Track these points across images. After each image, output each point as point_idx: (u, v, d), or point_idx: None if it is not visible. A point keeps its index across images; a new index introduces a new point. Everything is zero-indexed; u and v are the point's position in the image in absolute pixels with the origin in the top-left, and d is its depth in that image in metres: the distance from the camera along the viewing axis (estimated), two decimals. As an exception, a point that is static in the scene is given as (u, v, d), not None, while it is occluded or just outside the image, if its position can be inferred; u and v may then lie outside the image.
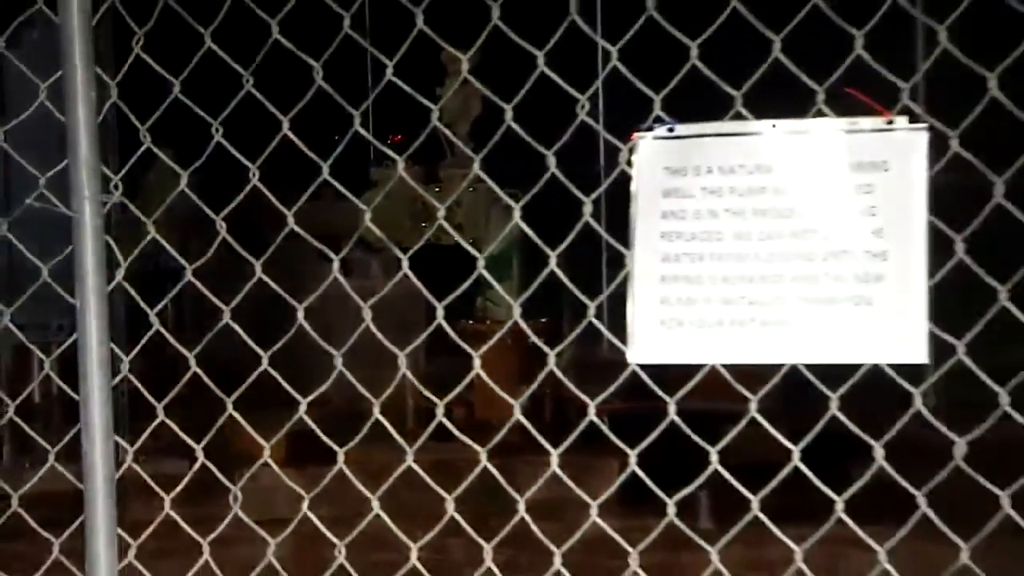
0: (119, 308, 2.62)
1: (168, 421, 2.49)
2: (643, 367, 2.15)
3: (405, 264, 2.35)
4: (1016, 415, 2.05)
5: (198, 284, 2.50)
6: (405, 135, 2.35)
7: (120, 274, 2.47)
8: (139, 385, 2.51)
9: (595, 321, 2.25)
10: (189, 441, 2.45)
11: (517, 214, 2.33)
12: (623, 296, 2.19)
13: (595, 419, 2.24)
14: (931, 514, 2.10)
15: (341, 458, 2.38)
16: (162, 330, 2.50)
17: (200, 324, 2.53)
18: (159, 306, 2.54)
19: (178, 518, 2.50)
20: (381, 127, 2.45)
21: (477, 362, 2.31)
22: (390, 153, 2.41)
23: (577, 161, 2.32)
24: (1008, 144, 2.13)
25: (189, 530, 2.51)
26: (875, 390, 2.15)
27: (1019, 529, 1.97)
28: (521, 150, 2.33)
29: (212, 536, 2.48)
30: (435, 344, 2.60)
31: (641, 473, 2.23)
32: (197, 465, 2.46)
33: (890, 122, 2.04)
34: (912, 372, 2.10)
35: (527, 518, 2.35)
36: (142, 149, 2.49)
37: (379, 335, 2.31)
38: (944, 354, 2.13)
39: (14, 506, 2.54)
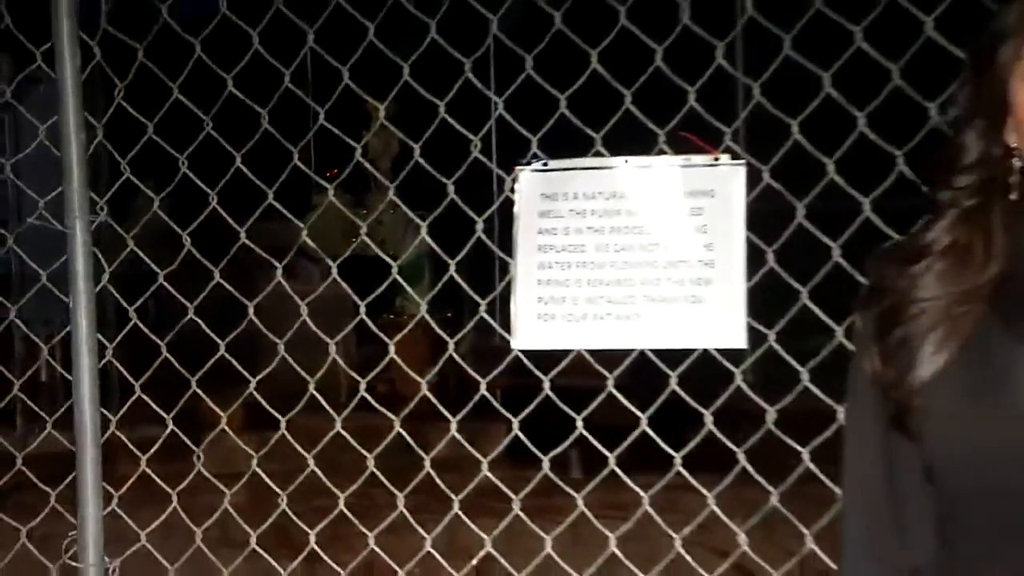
0: (109, 305, 2.66)
1: (144, 396, 2.48)
2: (524, 352, 2.20)
3: (335, 271, 2.41)
4: (815, 389, 2.08)
5: (168, 287, 2.49)
6: (340, 168, 2.40)
7: (105, 278, 2.48)
8: (120, 367, 2.50)
9: (486, 316, 2.30)
10: (160, 412, 2.45)
11: (424, 231, 2.41)
12: (509, 296, 2.23)
13: (486, 393, 2.29)
14: (748, 467, 2.15)
15: (283, 425, 2.42)
16: (139, 324, 2.49)
17: (175, 319, 2.56)
18: (137, 303, 2.53)
19: (152, 473, 2.52)
20: (322, 162, 2.48)
21: (392, 348, 2.35)
22: (323, 183, 2.44)
23: (473, 189, 2.35)
24: (808, 175, 2.16)
25: (161, 483, 2.53)
26: (705, 369, 2.20)
27: (817, 478, 2.04)
28: (429, 180, 2.34)
29: (180, 487, 2.52)
30: (365, 334, 2.60)
31: (523, 436, 2.28)
32: (167, 431, 2.48)
33: (716, 159, 2.12)
34: (735, 355, 2.17)
35: (432, 472, 2.40)
36: (122, 179, 2.49)
37: (313, 327, 2.34)
38: (759, 341, 2.18)
39: (18, 464, 2.56)
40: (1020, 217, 1.53)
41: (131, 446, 2.45)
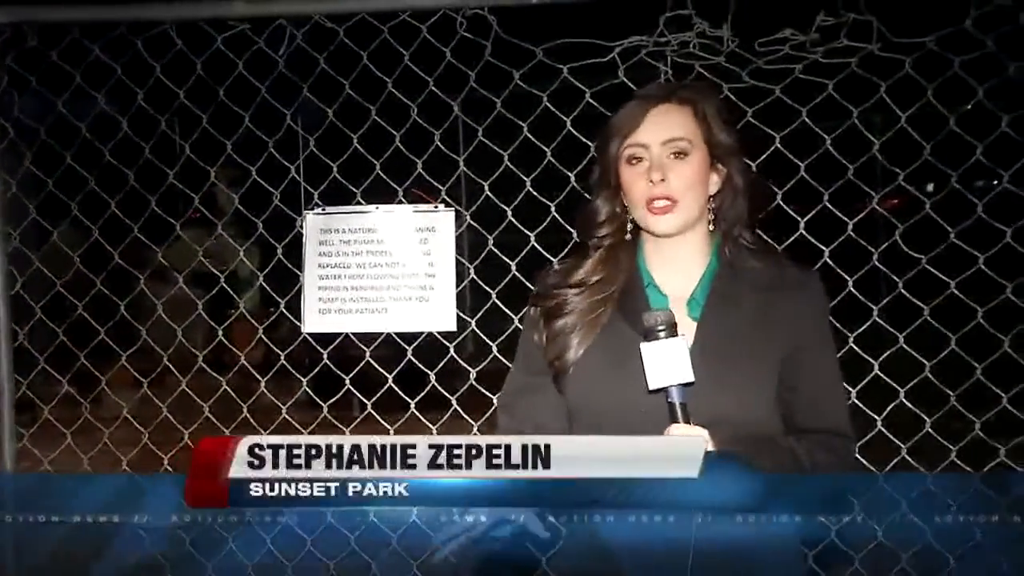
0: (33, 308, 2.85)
1: (47, 367, 2.78)
2: (311, 334, 2.58)
3: (181, 282, 2.83)
4: (502, 358, 2.38)
5: (65, 292, 2.82)
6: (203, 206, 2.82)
7: (18, 286, 2.71)
8: (30, 348, 2.75)
9: (285, 312, 2.70)
10: (55, 374, 2.78)
11: (241, 252, 2.89)
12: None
13: (285, 363, 2.72)
14: (459, 408, 2.62)
15: (145, 384, 2.84)
16: (44, 318, 2.80)
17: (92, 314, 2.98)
18: (42, 302, 2.82)
19: (52, 419, 2.80)
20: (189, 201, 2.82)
21: (219, 333, 2.81)
22: (173, 222, 2.80)
23: (282, 226, 2.70)
24: (502, 216, 2.61)
25: (58, 425, 2.80)
26: (433, 344, 2.64)
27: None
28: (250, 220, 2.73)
29: (72, 428, 2.78)
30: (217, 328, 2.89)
31: (309, 391, 2.71)
32: (63, 390, 2.80)
33: (436, 207, 2.54)
34: (457, 335, 2.57)
35: (248, 415, 2.72)
36: (29, 218, 2.77)
37: (169, 322, 2.76)
38: (469, 325, 2.59)
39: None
40: (633, 249, 2.00)
41: (35, 399, 2.79)
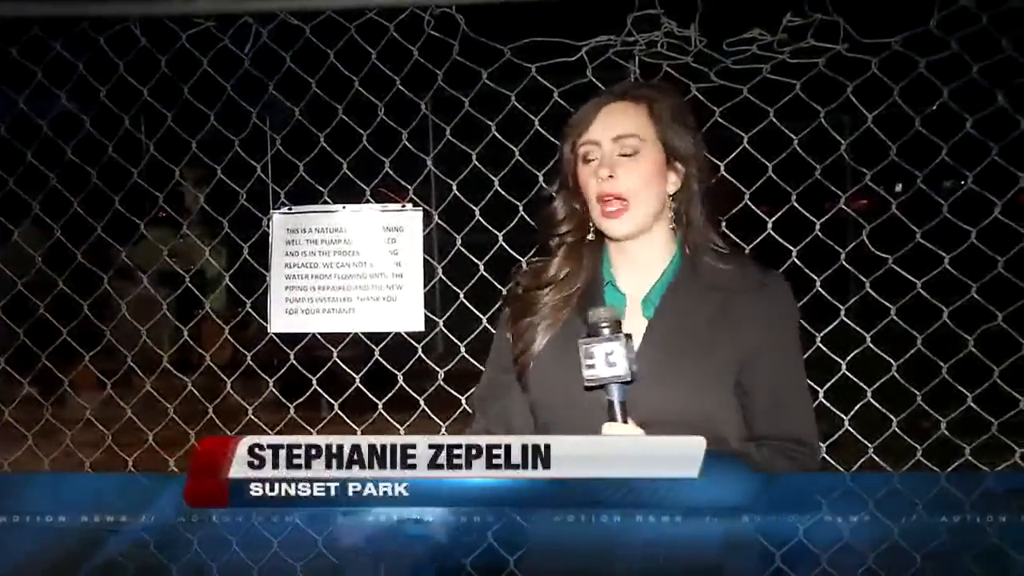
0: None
1: (8, 368, 2.73)
2: (277, 334, 2.57)
3: (146, 281, 2.81)
4: (471, 359, 2.42)
5: (26, 292, 2.80)
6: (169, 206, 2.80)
7: None
8: None
9: (251, 312, 2.70)
10: (18, 377, 2.78)
11: (207, 252, 2.86)
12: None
13: (252, 363, 2.71)
14: (425, 407, 2.62)
15: (109, 385, 2.77)
16: (5, 318, 2.81)
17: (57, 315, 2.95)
18: (3, 302, 2.80)
19: (12, 420, 2.77)
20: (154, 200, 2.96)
21: (186, 332, 2.78)
22: (139, 222, 2.76)
23: (249, 226, 2.69)
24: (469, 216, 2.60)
25: (17, 425, 2.78)
26: (402, 344, 2.63)
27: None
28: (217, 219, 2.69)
29: (34, 430, 2.79)
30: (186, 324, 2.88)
31: (275, 392, 2.71)
32: (24, 391, 2.81)
33: (403, 207, 2.52)
34: (426, 335, 2.56)
35: (214, 417, 2.73)
36: None
37: (134, 322, 2.73)
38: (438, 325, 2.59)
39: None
40: (598, 247, 2.00)
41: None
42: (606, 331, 1.73)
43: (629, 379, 1.72)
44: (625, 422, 1.71)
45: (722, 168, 2.30)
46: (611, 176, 1.86)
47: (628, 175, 1.86)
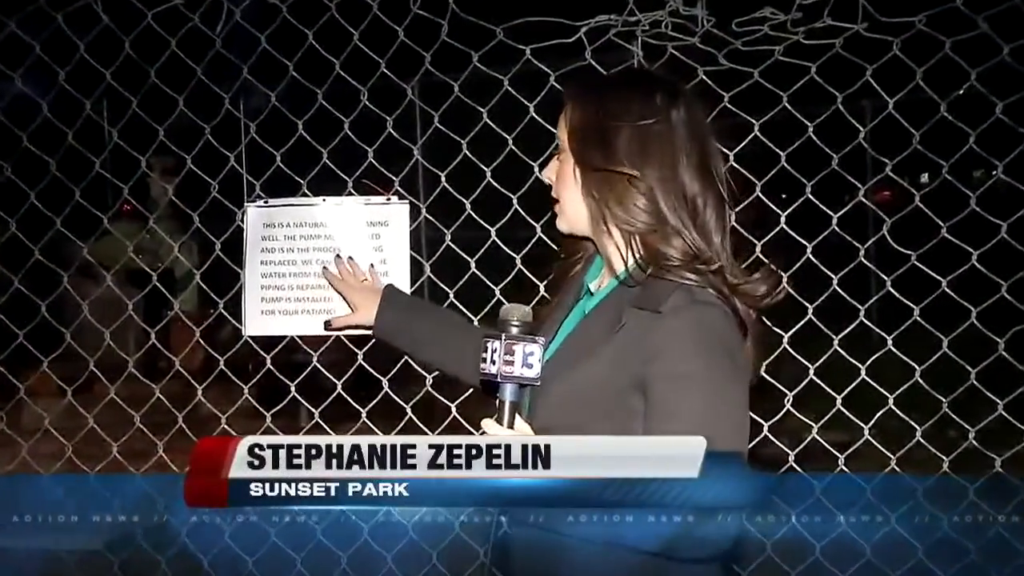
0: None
1: None
2: (252, 337, 2.46)
3: (110, 279, 2.65)
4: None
5: None
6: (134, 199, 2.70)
7: None
8: None
9: (224, 313, 2.56)
10: None
11: (176, 248, 2.75)
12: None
13: (225, 368, 2.56)
14: (412, 415, 2.50)
15: (70, 392, 2.62)
16: None
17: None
18: None
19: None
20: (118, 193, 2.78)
21: (153, 336, 2.65)
22: (102, 216, 2.63)
23: (223, 220, 2.58)
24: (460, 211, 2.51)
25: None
26: (387, 348, 2.32)
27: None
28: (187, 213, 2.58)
29: None
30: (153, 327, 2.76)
31: (251, 399, 2.57)
32: None
33: (388, 200, 2.43)
34: None
35: (184, 426, 2.61)
36: None
37: (96, 324, 2.59)
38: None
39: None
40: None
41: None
42: (514, 329, 1.66)
43: (522, 382, 1.66)
44: (511, 426, 1.67)
45: (731, 158, 2.13)
46: (550, 177, 1.84)
47: (552, 174, 1.84)
